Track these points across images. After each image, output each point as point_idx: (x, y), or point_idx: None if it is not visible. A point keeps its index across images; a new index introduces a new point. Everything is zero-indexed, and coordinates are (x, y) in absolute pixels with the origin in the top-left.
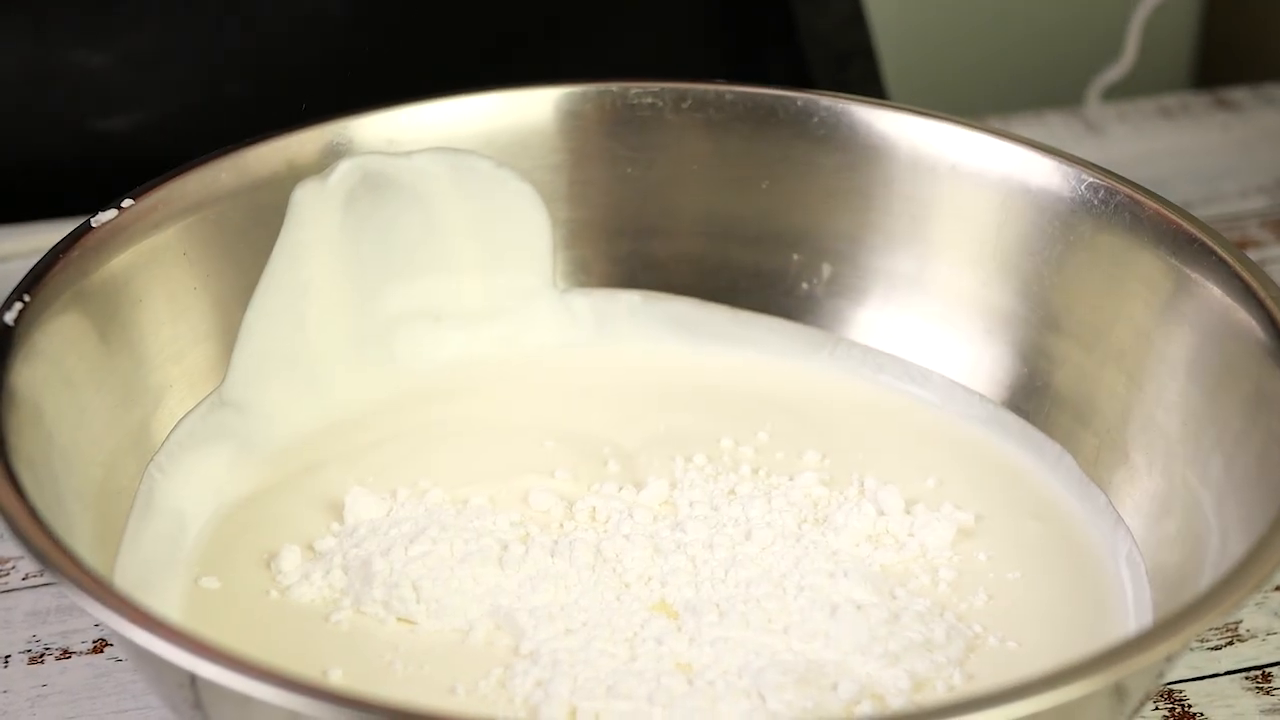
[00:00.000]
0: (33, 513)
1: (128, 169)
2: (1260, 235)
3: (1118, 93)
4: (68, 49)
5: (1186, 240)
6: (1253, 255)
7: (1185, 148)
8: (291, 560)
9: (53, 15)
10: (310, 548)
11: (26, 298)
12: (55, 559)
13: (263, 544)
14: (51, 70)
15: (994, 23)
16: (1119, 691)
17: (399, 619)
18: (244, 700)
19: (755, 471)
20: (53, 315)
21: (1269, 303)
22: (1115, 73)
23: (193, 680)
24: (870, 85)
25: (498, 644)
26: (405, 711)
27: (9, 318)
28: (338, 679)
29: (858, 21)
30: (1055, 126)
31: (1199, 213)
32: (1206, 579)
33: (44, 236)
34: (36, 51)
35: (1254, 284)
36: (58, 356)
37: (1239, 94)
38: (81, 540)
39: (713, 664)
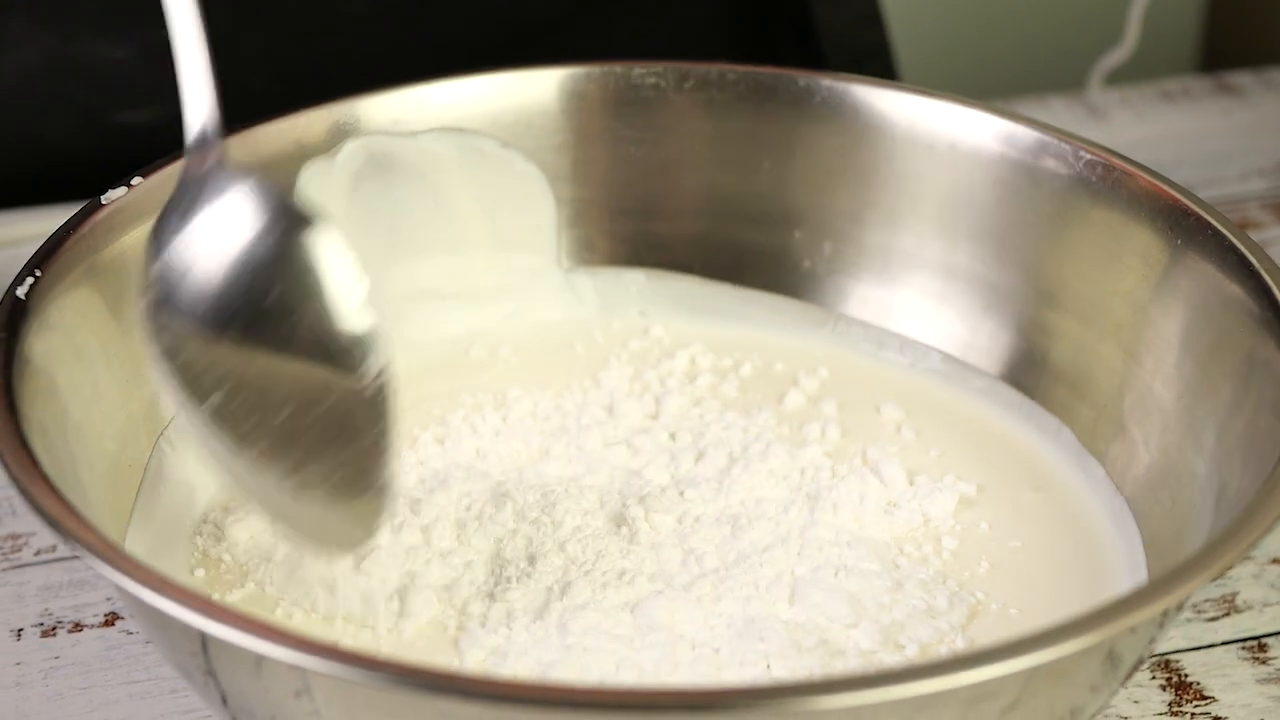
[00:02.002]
0: (46, 481)
1: (149, 161)
2: (1261, 217)
3: (1120, 77)
4: (89, 41)
5: (1181, 214)
6: (1253, 237)
7: (1187, 132)
8: None
9: (74, 8)
10: None
11: (38, 272)
12: (68, 525)
13: None
14: (73, 63)
15: (995, 7)
16: (1111, 656)
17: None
18: (256, 662)
19: (758, 445)
20: (65, 290)
21: (1262, 272)
22: (1117, 57)
23: (204, 642)
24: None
25: (494, 615)
26: (418, 670)
27: (21, 291)
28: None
29: (874, 20)
30: (1057, 111)
31: (1200, 195)
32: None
33: (59, 220)
34: (58, 44)
35: (1247, 254)
36: (70, 330)
37: (1241, 78)
38: (94, 511)
39: (718, 633)
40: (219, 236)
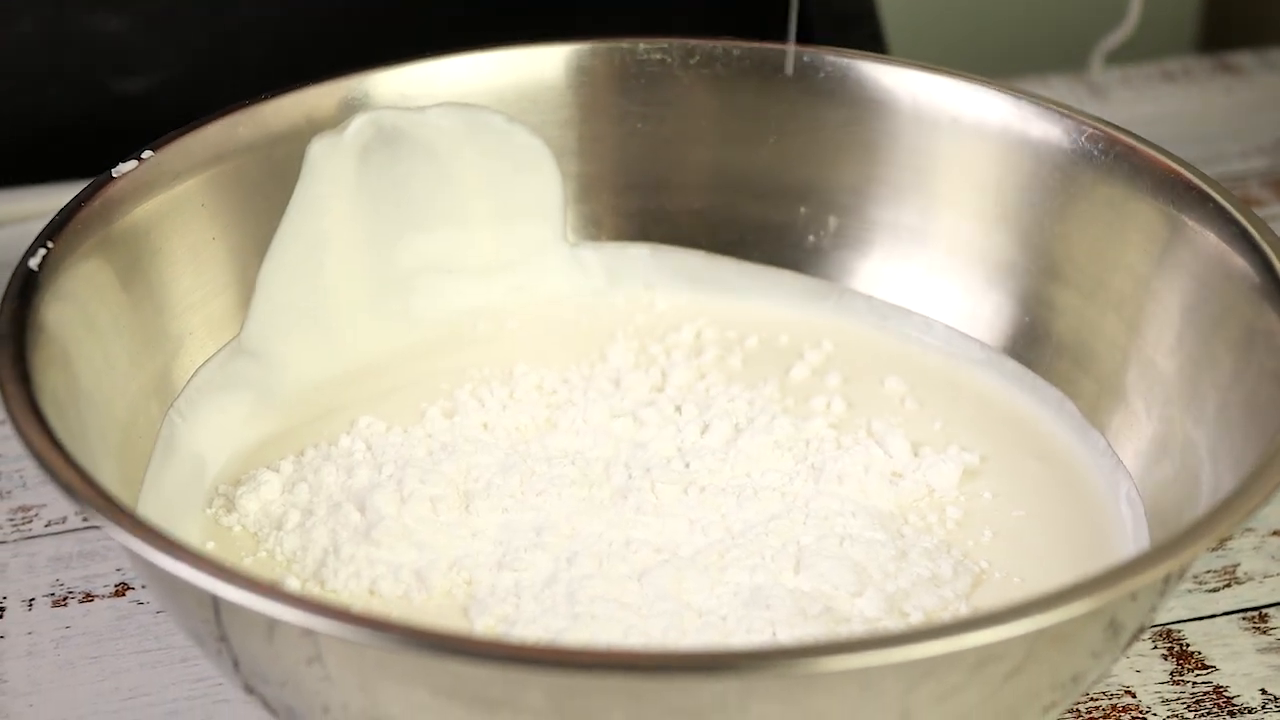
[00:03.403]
0: (61, 449)
1: (146, 130)
2: (1261, 194)
3: (1121, 56)
4: (85, 12)
5: (1184, 188)
6: None
7: (1187, 111)
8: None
9: None
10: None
11: (50, 244)
12: (83, 491)
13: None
14: (69, 33)
15: None
16: (1113, 623)
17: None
18: (268, 627)
19: (764, 417)
20: (77, 261)
21: (1263, 244)
22: (1118, 36)
23: (216, 606)
24: (873, 48)
25: (503, 584)
26: (430, 633)
27: (33, 262)
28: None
29: None
30: (1059, 90)
31: None
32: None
33: (65, 196)
34: (55, 14)
35: (1249, 227)
36: (83, 300)
37: (1241, 58)
38: (105, 481)
39: (724, 601)
40: None
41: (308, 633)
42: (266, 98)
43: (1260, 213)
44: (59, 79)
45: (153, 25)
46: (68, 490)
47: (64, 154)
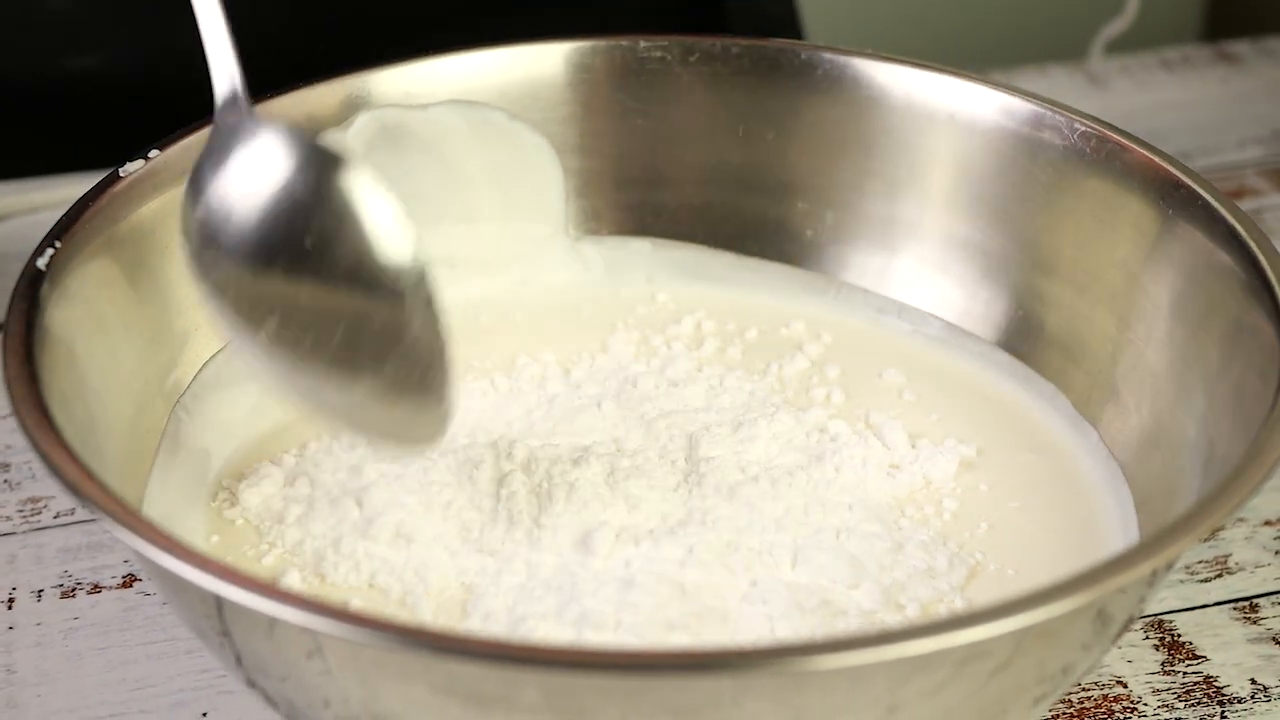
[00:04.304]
0: (66, 448)
1: (98, 108)
2: (1258, 184)
3: (1120, 46)
4: None
5: (1173, 185)
6: (1250, 204)
7: (1186, 100)
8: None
9: None
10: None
11: (58, 244)
12: (88, 491)
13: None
14: (22, 9)
15: None
16: (1101, 615)
17: None
18: (269, 624)
19: (762, 407)
20: (84, 260)
21: (1250, 242)
22: (1118, 26)
23: (219, 605)
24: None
25: (507, 579)
26: (425, 632)
27: (41, 263)
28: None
29: None
30: (1058, 80)
31: (1197, 163)
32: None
33: (75, 188)
34: None
35: (1236, 224)
36: (90, 300)
37: (1240, 47)
38: (111, 476)
39: (721, 595)
40: (257, 179)
41: (308, 631)
42: (269, 96)
43: (1256, 203)
44: (10, 56)
45: (104, 2)
46: (73, 490)
47: (67, 145)
